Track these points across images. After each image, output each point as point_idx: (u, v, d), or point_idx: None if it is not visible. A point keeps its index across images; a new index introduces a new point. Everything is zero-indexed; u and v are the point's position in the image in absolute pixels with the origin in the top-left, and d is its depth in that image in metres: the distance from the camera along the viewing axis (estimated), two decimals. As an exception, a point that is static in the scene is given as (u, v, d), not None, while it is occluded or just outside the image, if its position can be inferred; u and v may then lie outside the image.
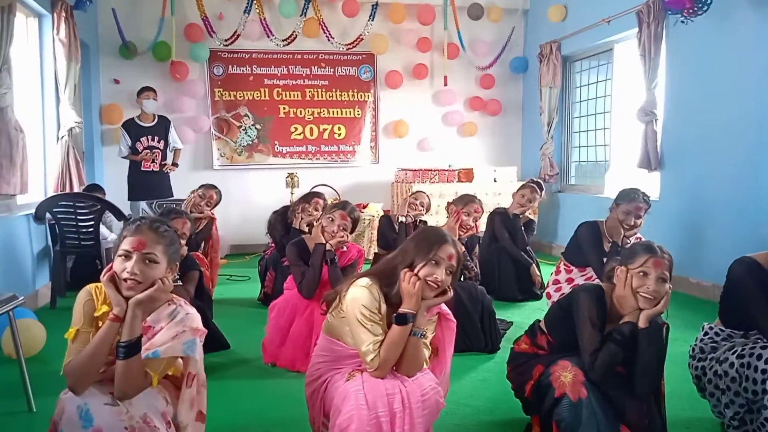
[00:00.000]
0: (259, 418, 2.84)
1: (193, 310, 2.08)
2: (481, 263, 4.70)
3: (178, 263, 2.16)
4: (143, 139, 6.37)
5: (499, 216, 5.34)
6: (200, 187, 5.38)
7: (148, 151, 6.36)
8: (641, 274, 2.33)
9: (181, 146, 6.77)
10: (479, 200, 4.57)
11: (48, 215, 5.00)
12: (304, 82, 7.82)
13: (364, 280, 2.19)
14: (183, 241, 3.47)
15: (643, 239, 3.87)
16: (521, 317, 4.46)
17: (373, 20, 7.66)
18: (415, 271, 2.14)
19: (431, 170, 7.20)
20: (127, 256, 1.96)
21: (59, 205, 4.98)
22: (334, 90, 7.90)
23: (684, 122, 5.41)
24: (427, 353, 2.23)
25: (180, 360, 2.06)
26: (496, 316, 3.95)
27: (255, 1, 7.37)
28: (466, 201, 4.48)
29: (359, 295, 2.15)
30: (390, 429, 2.02)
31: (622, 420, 2.27)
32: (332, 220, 3.55)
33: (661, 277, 2.33)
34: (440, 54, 8.01)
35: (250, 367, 3.53)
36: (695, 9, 4.79)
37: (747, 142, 4.68)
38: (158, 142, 6.44)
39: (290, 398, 3.06)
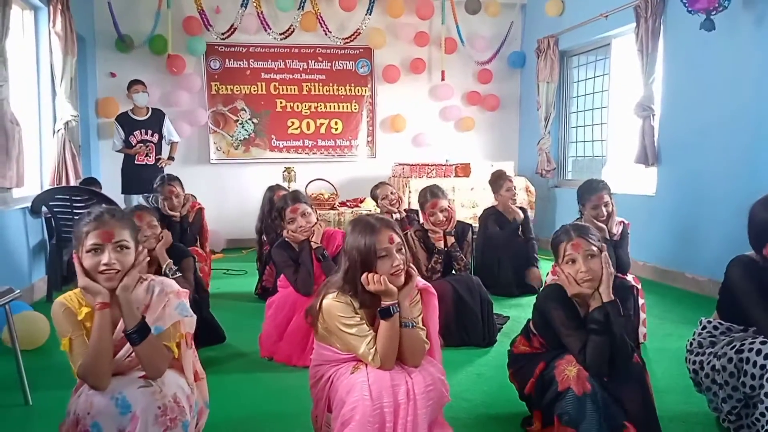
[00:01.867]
0: (257, 411, 2.85)
1: (163, 279, 2.15)
2: (478, 258, 4.69)
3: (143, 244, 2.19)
4: (136, 132, 6.33)
5: (492, 216, 5.32)
6: (159, 185, 4.90)
7: (142, 144, 6.32)
8: (569, 262, 2.36)
9: (177, 139, 6.70)
10: (438, 191, 4.08)
11: (44, 209, 4.99)
12: (301, 76, 7.80)
13: (330, 294, 2.20)
14: (157, 231, 3.44)
15: (625, 221, 3.86)
16: (518, 312, 4.47)
17: (370, 14, 7.64)
18: (377, 268, 2.14)
19: (428, 165, 7.20)
20: (98, 249, 1.96)
21: (55, 198, 4.97)
22: (331, 84, 7.89)
23: (681, 118, 5.42)
24: (423, 334, 2.23)
25: (180, 323, 2.11)
26: (494, 311, 3.96)
27: (252, -5, 7.35)
28: (423, 201, 4.10)
29: (332, 308, 2.17)
30: (393, 420, 2.03)
31: (626, 416, 2.26)
32: (293, 219, 3.60)
33: (589, 254, 2.33)
34: (438, 48, 8.00)
35: (247, 361, 3.53)
36: (717, 6, 4.71)
37: (744, 138, 4.68)
38: (152, 135, 6.40)
39: (287, 392, 3.06)
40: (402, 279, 2.19)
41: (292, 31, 7.51)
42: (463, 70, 8.20)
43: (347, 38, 7.70)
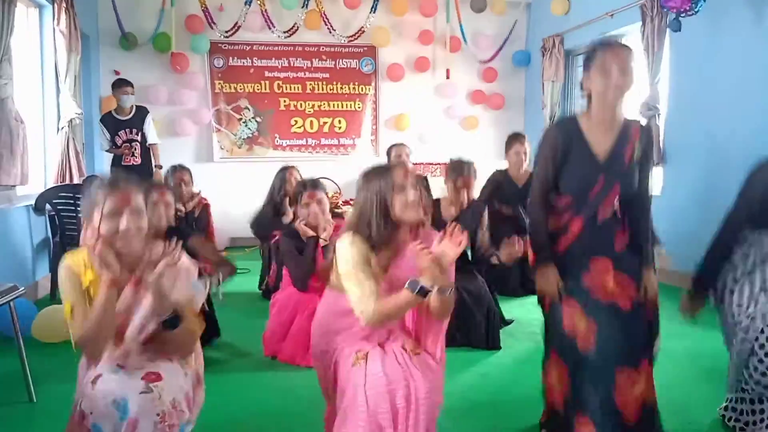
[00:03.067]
0: (259, 410, 2.84)
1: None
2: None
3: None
4: (121, 132, 6.20)
5: (497, 184, 5.09)
6: (170, 173, 4.82)
7: (128, 144, 6.21)
8: (602, 73, 2.26)
9: (156, 141, 6.40)
10: (470, 166, 4.10)
11: (48, 206, 4.98)
12: (304, 74, 7.79)
13: (346, 236, 2.15)
14: (171, 212, 3.43)
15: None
16: (522, 313, 4.45)
17: (374, 12, 7.62)
18: (392, 204, 2.11)
19: (432, 164, 7.19)
20: (117, 213, 1.95)
21: (59, 196, 4.97)
22: (334, 83, 7.87)
23: (687, 117, 5.39)
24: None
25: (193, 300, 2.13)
26: (500, 314, 3.93)
27: (256, -7, 7.34)
28: (458, 173, 4.03)
29: (344, 251, 2.13)
30: (393, 426, 1.98)
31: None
32: (308, 204, 3.57)
33: (624, 68, 2.28)
34: (442, 47, 7.98)
35: (250, 360, 3.53)
36: (687, 8, 4.74)
37: (749, 138, 4.66)
38: (136, 134, 6.25)
39: (290, 391, 3.06)
40: (420, 214, 2.16)
41: (296, 29, 7.50)
42: (468, 69, 8.18)
43: (351, 36, 7.68)
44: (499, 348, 3.73)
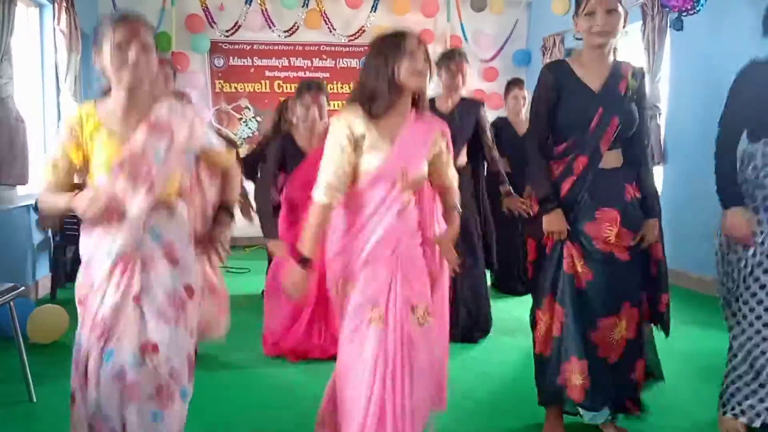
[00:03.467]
0: (257, 411, 2.84)
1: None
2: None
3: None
4: None
5: (497, 128, 4.79)
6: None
7: None
8: (588, 15, 2.36)
9: None
10: (460, 51, 4.01)
11: (48, 206, 4.98)
12: (305, 74, 7.78)
13: (336, 116, 2.15)
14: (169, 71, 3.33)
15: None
16: (522, 312, 4.42)
17: (375, 11, 7.62)
18: (399, 69, 2.06)
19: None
20: (125, 45, 1.90)
21: (59, 195, 4.96)
22: (335, 82, 7.87)
23: (687, 116, 5.39)
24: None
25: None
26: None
27: (256, -8, 7.34)
28: (449, 58, 3.91)
29: (331, 128, 2.12)
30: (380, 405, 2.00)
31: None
32: (308, 107, 3.50)
33: (610, 9, 2.33)
34: (443, 46, 7.93)
35: (248, 360, 3.52)
36: (689, 7, 4.74)
37: (750, 137, 4.65)
38: None
39: (288, 393, 3.05)
40: (425, 83, 2.13)
41: (297, 29, 7.49)
42: (468, 68, 8.14)
43: (352, 36, 7.68)
44: (488, 331, 3.83)
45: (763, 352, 2.41)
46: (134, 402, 1.90)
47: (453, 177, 2.27)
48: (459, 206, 2.28)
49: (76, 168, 1.97)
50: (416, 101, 2.17)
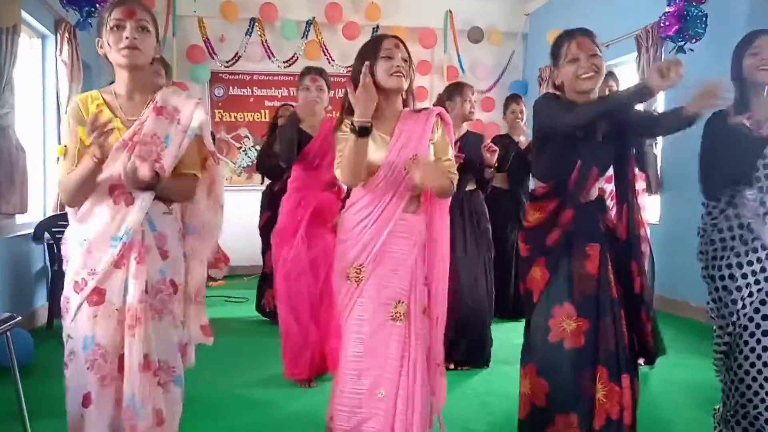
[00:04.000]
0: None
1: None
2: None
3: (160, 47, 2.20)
4: None
5: (501, 143, 4.75)
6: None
7: None
8: (572, 61, 2.32)
9: None
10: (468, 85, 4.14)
11: (47, 235, 4.98)
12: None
13: (339, 121, 2.30)
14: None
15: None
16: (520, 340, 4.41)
17: (373, 43, 7.71)
18: (376, 71, 2.19)
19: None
20: (120, 26, 1.96)
21: (58, 225, 4.96)
22: (333, 112, 7.90)
23: (684, 145, 5.37)
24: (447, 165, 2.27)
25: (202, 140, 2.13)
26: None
27: (257, 24, 7.44)
28: (459, 88, 4.04)
29: (335, 133, 2.29)
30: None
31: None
32: (307, 88, 3.56)
33: (592, 53, 2.32)
34: (440, 77, 8.05)
35: (251, 385, 3.50)
36: (688, 35, 4.84)
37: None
38: None
39: (287, 416, 3.02)
40: (403, 82, 2.21)
41: (296, 59, 7.58)
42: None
43: (350, 66, 7.74)
44: (488, 362, 3.80)
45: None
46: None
47: (451, 163, 2.30)
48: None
49: (86, 149, 1.98)
50: (405, 101, 2.30)
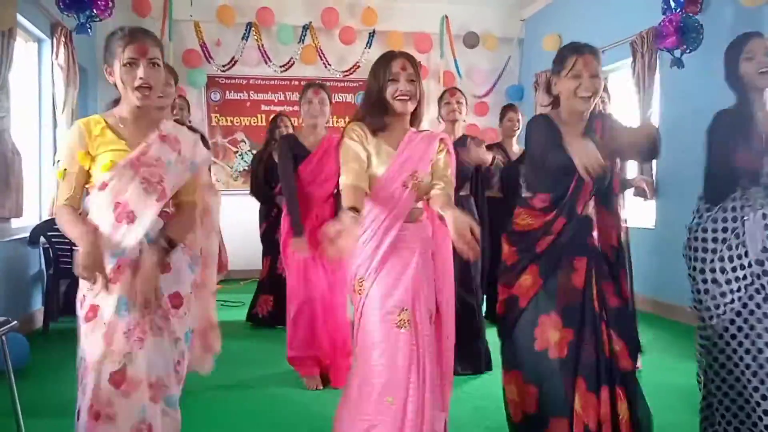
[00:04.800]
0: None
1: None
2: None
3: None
4: None
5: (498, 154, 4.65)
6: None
7: None
8: (573, 77, 2.33)
9: None
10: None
11: (42, 239, 4.97)
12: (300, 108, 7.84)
13: (348, 126, 2.32)
14: (171, 92, 3.15)
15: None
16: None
17: (370, 48, 7.74)
18: (385, 90, 2.25)
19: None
20: (134, 63, 1.99)
21: (53, 229, 4.95)
22: (330, 116, 7.91)
23: (679, 151, 5.44)
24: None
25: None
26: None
27: (253, 28, 7.45)
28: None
29: (344, 132, 2.33)
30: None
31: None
32: (311, 102, 3.62)
33: (595, 75, 2.33)
34: (436, 82, 8.07)
35: (236, 386, 3.49)
36: (685, 46, 4.88)
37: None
38: None
39: (283, 419, 3.02)
40: (407, 106, 2.26)
41: (292, 64, 7.59)
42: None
43: (347, 71, 7.77)
44: (490, 368, 3.80)
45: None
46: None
47: (450, 181, 2.33)
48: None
49: (86, 174, 2.04)
50: (412, 122, 2.34)
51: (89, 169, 2.02)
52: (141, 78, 1.98)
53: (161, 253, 1.99)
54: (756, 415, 2.36)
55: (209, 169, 3.09)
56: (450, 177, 2.35)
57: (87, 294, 2.00)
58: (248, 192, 7.63)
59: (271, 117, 5.48)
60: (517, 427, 2.44)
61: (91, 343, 1.96)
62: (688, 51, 4.92)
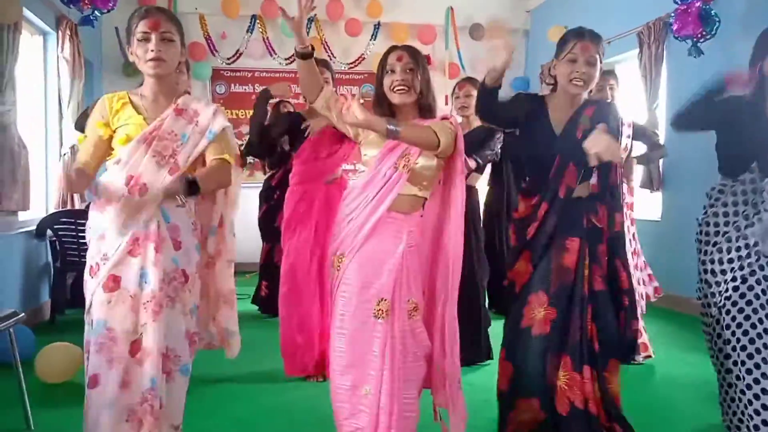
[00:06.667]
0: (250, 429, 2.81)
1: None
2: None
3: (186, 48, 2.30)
4: None
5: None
6: None
7: None
8: (569, 62, 2.39)
9: None
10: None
11: (49, 232, 4.99)
12: (305, 100, 7.82)
13: None
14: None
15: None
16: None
17: (374, 40, 7.72)
18: (382, 83, 2.27)
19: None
20: (146, 38, 2.07)
21: (60, 222, 4.98)
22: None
23: (685, 142, 5.39)
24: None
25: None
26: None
27: (258, 20, 7.44)
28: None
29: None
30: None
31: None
32: None
33: (591, 62, 2.37)
34: (441, 74, 8.04)
35: (251, 381, 3.50)
36: (704, 33, 4.82)
37: (748, 163, 4.68)
38: None
39: (286, 409, 3.03)
40: (405, 97, 2.24)
41: (298, 56, 7.57)
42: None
43: (352, 63, 7.76)
44: (491, 356, 3.77)
45: None
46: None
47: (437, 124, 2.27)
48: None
49: (105, 144, 2.13)
50: (421, 114, 2.31)
51: (108, 139, 2.11)
52: (152, 51, 2.05)
53: (176, 185, 2.05)
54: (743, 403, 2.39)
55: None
56: (447, 135, 2.21)
57: (100, 263, 2.06)
58: (255, 185, 7.68)
59: (274, 103, 5.38)
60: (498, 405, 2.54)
61: (118, 314, 2.03)
62: (702, 40, 4.86)
